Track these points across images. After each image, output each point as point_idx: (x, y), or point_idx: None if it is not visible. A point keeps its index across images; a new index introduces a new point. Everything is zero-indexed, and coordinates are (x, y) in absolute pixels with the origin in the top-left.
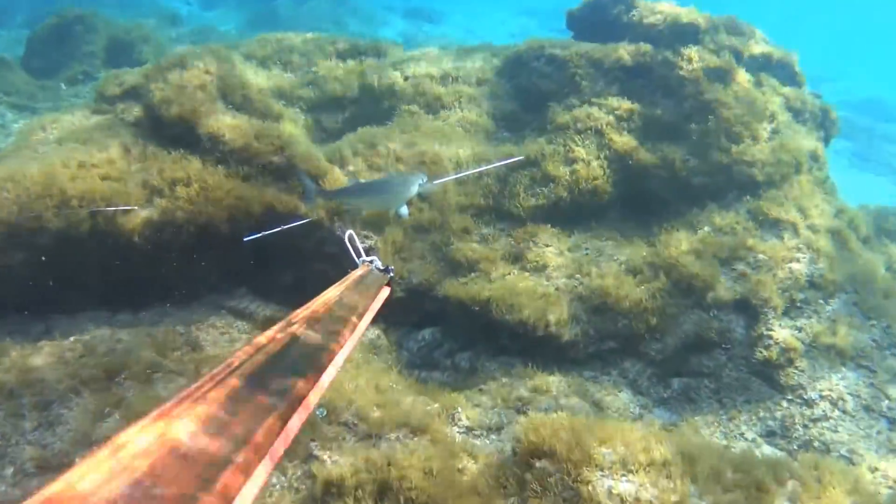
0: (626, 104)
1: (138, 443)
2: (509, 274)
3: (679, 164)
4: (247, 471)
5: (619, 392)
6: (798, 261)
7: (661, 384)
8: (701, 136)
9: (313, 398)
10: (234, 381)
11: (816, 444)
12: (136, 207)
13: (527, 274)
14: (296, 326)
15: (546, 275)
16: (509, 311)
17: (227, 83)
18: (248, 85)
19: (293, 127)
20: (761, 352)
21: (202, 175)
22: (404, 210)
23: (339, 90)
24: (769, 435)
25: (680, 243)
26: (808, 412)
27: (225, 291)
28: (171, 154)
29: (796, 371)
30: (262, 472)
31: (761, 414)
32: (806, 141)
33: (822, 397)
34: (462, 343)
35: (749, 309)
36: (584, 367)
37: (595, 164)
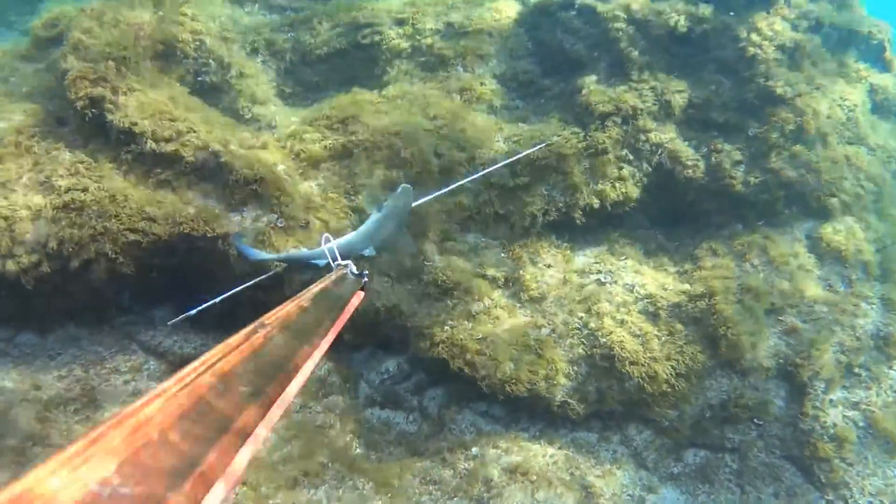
0: (676, 84)
1: (108, 442)
2: (496, 307)
3: (728, 171)
4: (218, 468)
5: (619, 468)
6: (865, 314)
7: (673, 456)
8: (761, 135)
9: (286, 398)
10: (206, 379)
11: None
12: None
13: (517, 306)
14: (268, 328)
15: (542, 309)
16: (485, 367)
17: (168, 34)
18: (203, 29)
19: (255, 85)
20: (802, 440)
21: (108, 188)
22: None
23: (322, 38)
24: None
25: (723, 286)
26: None
27: (139, 314)
28: (72, 153)
29: (843, 465)
30: (234, 470)
31: None
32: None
33: None
34: (434, 377)
35: (794, 378)
36: (578, 429)
37: (626, 170)
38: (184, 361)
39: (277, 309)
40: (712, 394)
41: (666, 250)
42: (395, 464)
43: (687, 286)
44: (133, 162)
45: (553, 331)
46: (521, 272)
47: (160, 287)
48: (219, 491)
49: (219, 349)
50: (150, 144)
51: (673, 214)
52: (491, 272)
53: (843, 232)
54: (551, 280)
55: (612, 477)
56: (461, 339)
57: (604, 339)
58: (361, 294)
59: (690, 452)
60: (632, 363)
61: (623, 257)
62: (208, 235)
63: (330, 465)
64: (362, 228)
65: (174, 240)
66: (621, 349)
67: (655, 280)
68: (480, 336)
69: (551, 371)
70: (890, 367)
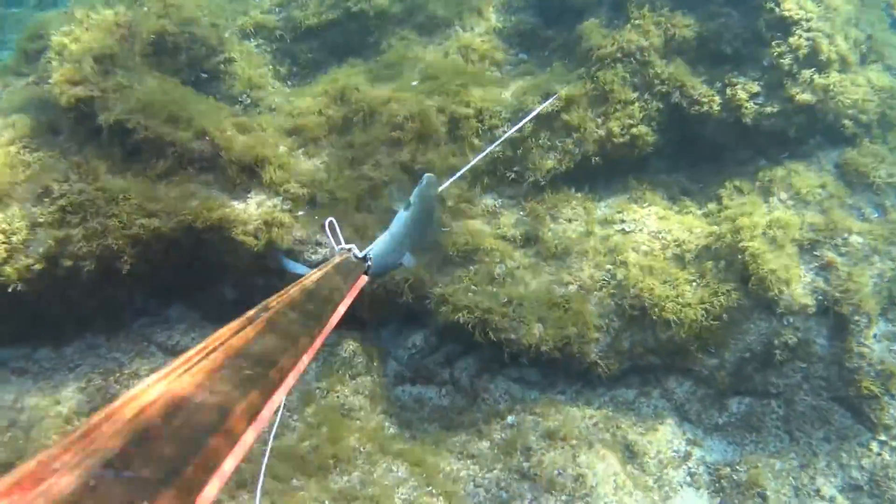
0: (682, 19)
1: (111, 425)
2: (518, 268)
3: (745, 103)
4: (221, 451)
5: (661, 424)
6: None
7: (716, 406)
8: (776, 64)
9: (284, 387)
10: (210, 364)
11: None
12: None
13: (541, 264)
14: (271, 312)
15: (567, 264)
16: (514, 331)
17: (155, 27)
18: (190, 18)
19: (250, 69)
20: (849, 378)
21: (106, 188)
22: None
23: (312, 10)
24: (853, 490)
25: (750, 222)
26: None
27: (154, 314)
28: (67, 160)
29: (893, 402)
30: (236, 453)
31: (844, 459)
32: None
33: None
34: (463, 346)
35: (835, 315)
36: (617, 385)
37: (637, 112)
38: None
39: (281, 293)
40: (751, 338)
41: (690, 193)
42: (430, 440)
43: (714, 227)
44: (129, 160)
45: (580, 286)
46: (541, 229)
47: (172, 285)
48: (221, 476)
49: (220, 333)
50: (145, 140)
51: (693, 155)
52: (510, 232)
53: (870, 157)
54: (573, 234)
55: (654, 433)
56: (486, 305)
57: (633, 290)
58: (365, 278)
59: (734, 401)
60: (664, 311)
61: (646, 204)
62: (213, 226)
63: (362, 448)
64: (395, 231)
65: (179, 234)
66: (652, 297)
67: (682, 224)
68: (505, 299)
69: (582, 327)
70: None
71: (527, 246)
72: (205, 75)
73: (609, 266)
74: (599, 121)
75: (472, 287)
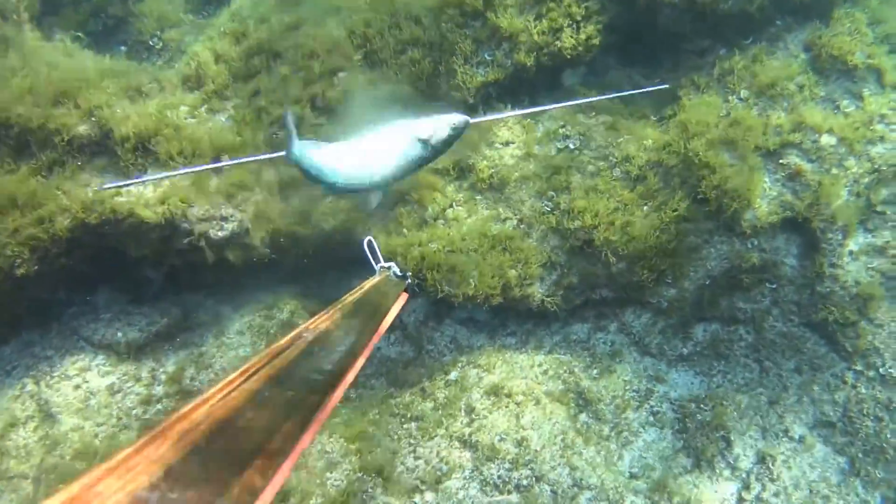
0: None
1: (155, 448)
2: (451, 206)
3: None
4: (265, 474)
5: (619, 362)
6: (883, 137)
7: (679, 336)
8: None
9: (331, 403)
10: (251, 385)
11: (891, 452)
12: None
13: (476, 199)
14: (311, 334)
15: (505, 197)
16: (449, 282)
17: None
18: None
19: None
20: (821, 304)
21: None
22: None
23: None
24: (825, 427)
25: (704, 126)
26: (883, 395)
27: (81, 304)
28: None
29: (871, 327)
30: (280, 476)
31: (816, 393)
32: None
33: None
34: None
35: (805, 231)
36: (572, 320)
37: (575, 7)
38: (131, 349)
39: (320, 314)
40: (712, 263)
41: (642, 92)
42: (376, 400)
43: (669, 136)
44: (12, 155)
45: (520, 221)
46: (474, 157)
47: (94, 272)
48: (267, 496)
49: (263, 355)
50: (26, 132)
51: (647, 49)
52: (441, 163)
53: (846, 33)
54: (511, 160)
55: (611, 375)
56: (415, 254)
57: (579, 220)
58: (405, 296)
59: (700, 328)
60: (613, 241)
61: (593, 114)
62: (109, 219)
63: None
64: (402, 162)
65: (77, 233)
66: (599, 227)
67: (632, 135)
68: (435, 247)
69: (524, 267)
70: None
71: (461, 178)
72: (111, 21)
73: (551, 193)
74: (534, 23)
75: (404, 231)
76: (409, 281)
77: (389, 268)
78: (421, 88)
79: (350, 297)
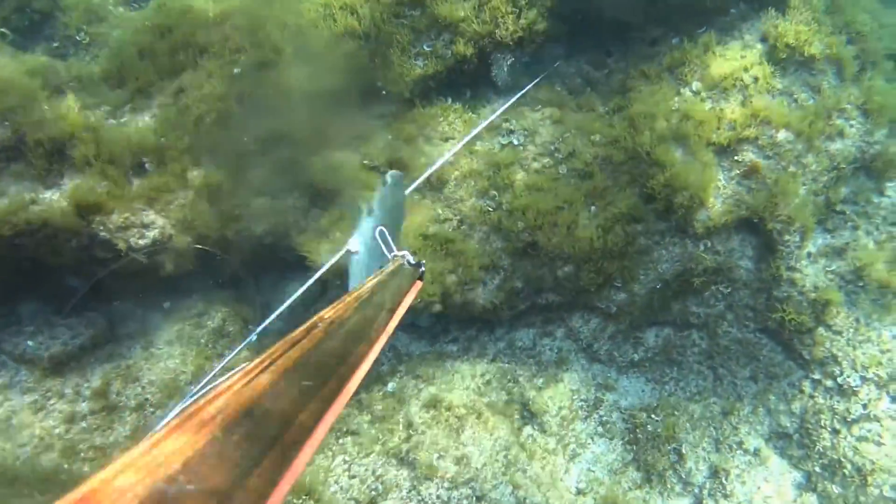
0: None
1: (174, 441)
2: None
3: None
4: (282, 464)
5: (566, 371)
6: (842, 132)
7: (630, 341)
8: None
9: (347, 393)
10: (267, 377)
11: (849, 467)
12: None
13: (416, 198)
14: (327, 322)
15: (445, 197)
16: None
17: None
18: None
19: None
20: (777, 309)
21: None
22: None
23: None
24: (781, 439)
25: (653, 120)
26: (840, 406)
27: (4, 315)
28: None
29: (829, 334)
30: (298, 465)
31: (772, 403)
32: None
33: (864, 379)
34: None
35: (761, 232)
36: (518, 325)
37: None
38: (54, 363)
39: (335, 304)
40: (664, 266)
41: (594, 82)
42: None
43: (617, 130)
44: None
45: (461, 221)
46: (414, 154)
47: (17, 283)
48: (284, 487)
49: (278, 346)
50: None
51: (596, 38)
52: (379, 161)
53: (803, 22)
54: (452, 157)
55: (557, 385)
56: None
57: (523, 220)
58: (419, 284)
59: (651, 333)
60: (559, 244)
61: (538, 106)
62: (22, 231)
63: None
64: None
65: None
66: (543, 227)
67: (581, 128)
68: None
69: (464, 272)
70: (881, 193)
71: None
72: (36, 16)
73: (494, 192)
74: (475, 11)
75: (338, 235)
76: (423, 269)
77: (403, 256)
78: (357, 83)
79: (366, 286)
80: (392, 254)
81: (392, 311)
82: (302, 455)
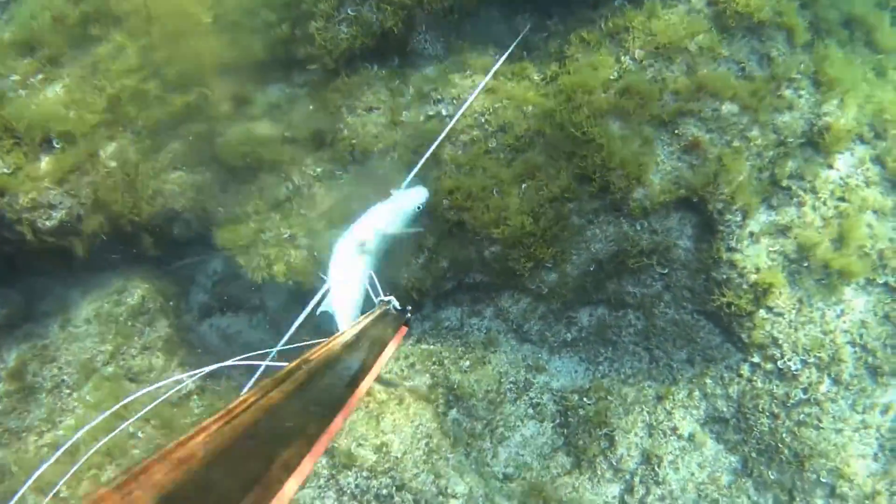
0: None
1: (151, 476)
2: (308, 185)
3: None
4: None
5: (494, 352)
6: (791, 104)
7: (563, 321)
8: None
9: (330, 434)
10: (249, 416)
11: (786, 452)
12: None
13: (339, 173)
14: (312, 365)
15: (367, 170)
16: (302, 274)
17: None
18: None
19: None
20: (716, 295)
21: None
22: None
23: None
24: (717, 423)
25: (590, 94)
26: (780, 389)
27: None
28: None
29: (770, 316)
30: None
31: (708, 386)
32: None
33: (805, 363)
34: None
35: (701, 210)
36: (444, 304)
37: None
38: None
39: (321, 346)
40: (597, 246)
41: (531, 47)
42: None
43: (552, 102)
44: None
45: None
46: (337, 126)
47: None
48: None
49: (263, 385)
50: None
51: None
52: (300, 133)
53: None
54: (375, 128)
55: (485, 367)
56: (264, 240)
57: (447, 198)
58: (405, 329)
59: (585, 312)
60: (485, 224)
61: (468, 72)
62: None
63: (140, 433)
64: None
65: None
66: (469, 206)
67: (513, 99)
68: (287, 233)
69: None
70: (829, 167)
71: (321, 149)
72: None
73: (416, 171)
74: None
75: (255, 215)
76: (409, 315)
77: (389, 301)
78: (278, 51)
79: (351, 330)
80: (378, 299)
81: (377, 356)
82: (284, 492)
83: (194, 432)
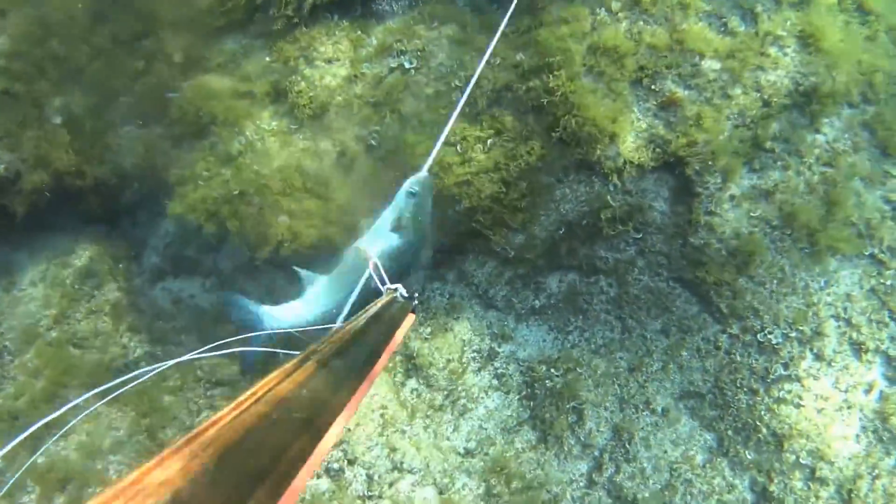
0: None
1: (164, 470)
2: (262, 138)
3: None
4: (274, 495)
5: (456, 319)
6: (776, 63)
7: (531, 287)
8: None
9: (341, 421)
10: (259, 408)
11: (764, 430)
12: None
13: (292, 129)
14: (320, 355)
15: (324, 126)
16: (256, 231)
17: None
18: None
19: None
20: (693, 259)
21: None
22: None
23: None
24: (692, 398)
25: (562, 45)
26: (759, 364)
27: None
28: None
29: (750, 285)
30: (289, 497)
31: (684, 358)
32: None
33: (786, 336)
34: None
35: (679, 171)
36: None
37: None
38: None
39: (328, 336)
40: (568, 206)
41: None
42: (173, 368)
43: (521, 56)
44: None
45: (341, 153)
46: (293, 78)
47: None
48: None
49: (272, 377)
50: None
51: None
52: (257, 87)
53: None
54: (334, 81)
55: (447, 335)
56: (215, 197)
57: (411, 158)
58: (413, 317)
59: (554, 278)
60: (447, 181)
61: (435, 23)
62: None
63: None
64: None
65: None
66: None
67: (479, 53)
68: (238, 191)
69: (340, 212)
70: (816, 131)
71: (277, 103)
72: None
73: (376, 126)
74: None
75: (205, 172)
76: (416, 302)
77: (396, 289)
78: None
79: (358, 320)
80: (385, 287)
81: (385, 344)
82: (295, 486)
83: (205, 425)
